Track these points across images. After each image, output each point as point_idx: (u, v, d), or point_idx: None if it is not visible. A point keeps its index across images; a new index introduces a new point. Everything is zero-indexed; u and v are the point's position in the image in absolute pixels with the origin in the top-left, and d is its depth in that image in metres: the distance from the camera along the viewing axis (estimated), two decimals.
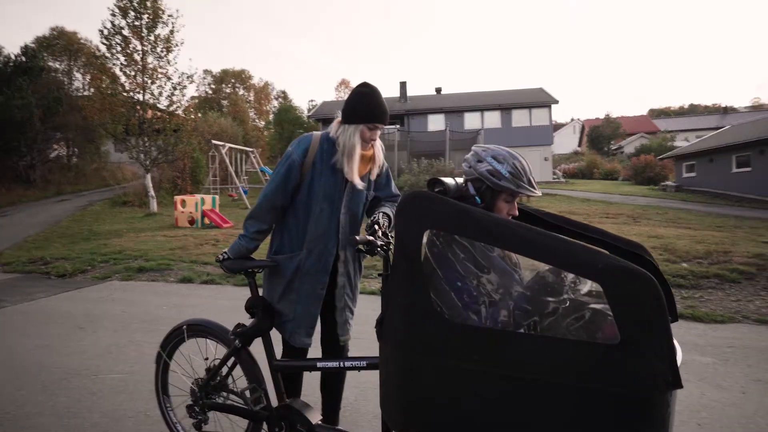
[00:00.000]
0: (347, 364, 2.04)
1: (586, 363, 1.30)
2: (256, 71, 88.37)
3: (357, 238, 1.90)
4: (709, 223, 12.13)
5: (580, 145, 50.14)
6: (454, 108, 30.09)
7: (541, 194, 1.96)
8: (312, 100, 49.16)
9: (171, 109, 16.02)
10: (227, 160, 18.41)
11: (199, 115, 29.34)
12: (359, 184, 2.20)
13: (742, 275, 6.38)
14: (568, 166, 36.95)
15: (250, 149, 21.29)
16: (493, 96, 31.98)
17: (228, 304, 5.76)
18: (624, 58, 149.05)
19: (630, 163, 31.45)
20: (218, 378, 2.31)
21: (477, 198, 1.80)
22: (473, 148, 1.94)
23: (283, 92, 52.97)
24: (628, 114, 59.18)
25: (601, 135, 47.83)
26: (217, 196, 14.72)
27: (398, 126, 23.26)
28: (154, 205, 16.13)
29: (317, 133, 2.28)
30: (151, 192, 16.19)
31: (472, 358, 1.42)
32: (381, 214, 2.19)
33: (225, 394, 2.31)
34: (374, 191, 2.39)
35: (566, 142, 48.25)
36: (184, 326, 2.41)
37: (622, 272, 1.26)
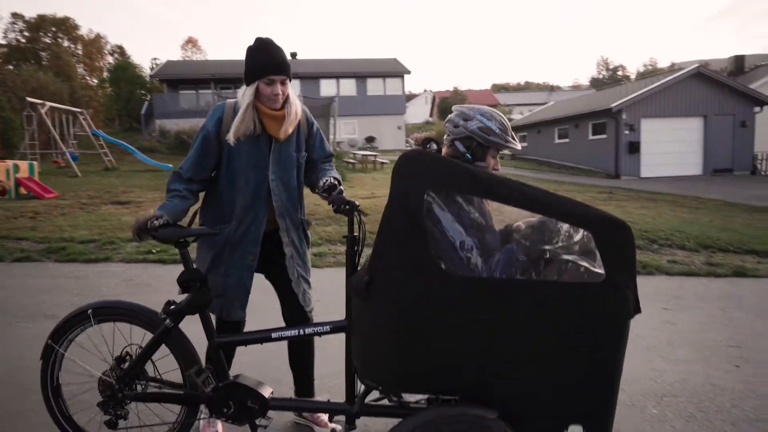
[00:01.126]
0: (308, 330, 1.91)
1: (577, 299, 1.52)
2: (84, 21, 76.92)
3: (343, 196, 1.91)
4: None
5: (431, 115, 52.96)
6: (310, 74, 29.61)
7: (520, 148, 1.99)
8: (156, 59, 44.75)
9: None
10: (48, 122, 15.97)
11: (10, 68, 24.93)
12: (232, 138, 2.06)
13: None
14: (419, 135, 38.87)
15: (79, 110, 18.70)
16: (348, 64, 32.07)
17: (48, 284, 5.10)
18: (472, 35, 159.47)
19: None
20: (138, 366, 2.00)
21: (468, 155, 1.85)
22: (456, 107, 1.97)
23: (120, 47, 47.32)
24: (474, 88, 63.77)
25: (450, 106, 50.90)
26: (35, 163, 12.76)
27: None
28: None
29: (231, 101, 2.16)
30: None
31: (473, 309, 1.52)
32: (332, 178, 2.10)
33: (143, 382, 2.01)
34: (307, 153, 2.28)
35: (419, 112, 50.62)
36: (89, 310, 2.02)
37: (609, 221, 1.49)
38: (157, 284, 5.00)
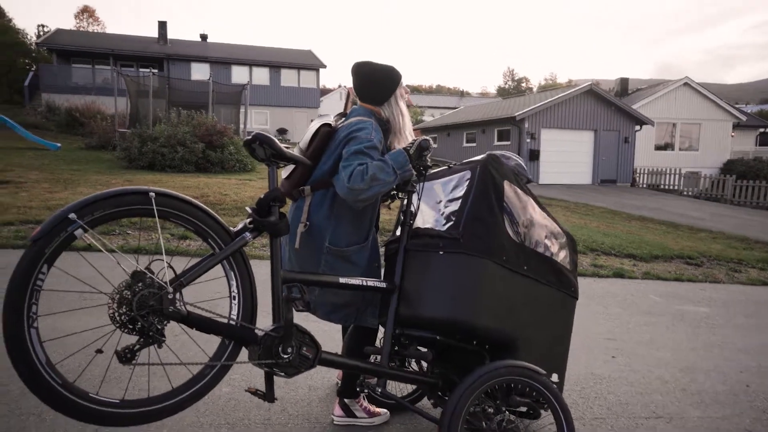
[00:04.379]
0: (369, 283, 2.07)
1: (565, 277, 2.40)
2: None
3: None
4: None
5: (345, 110, 52.98)
6: (221, 59, 28.32)
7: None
8: (43, 25, 40.27)
9: None
10: None
11: None
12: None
13: None
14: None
15: None
16: (262, 52, 31.10)
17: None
18: (386, 34, 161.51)
19: None
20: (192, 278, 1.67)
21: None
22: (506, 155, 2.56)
23: None
24: None
25: None
26: None
27: (154, 70, 20.84)
28: None
29: (369, 120, 2.19)
30: None
31: (522, 268, 2.16)
32: None
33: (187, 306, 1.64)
34: None
35: (334, 107, 50.45)
36: (151, 193, 1.58)
37: (570, 234, 2.56)
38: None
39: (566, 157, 19.58)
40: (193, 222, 1.69)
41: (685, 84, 23.43)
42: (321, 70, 30.64)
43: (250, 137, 1.85)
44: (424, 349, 2.22)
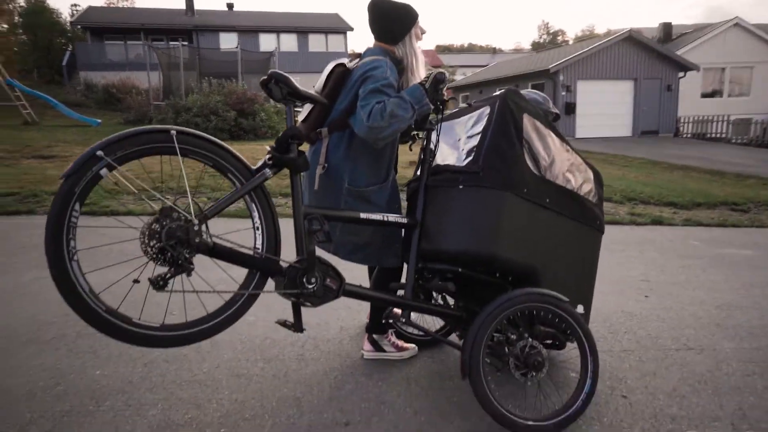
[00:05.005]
0: (391, 218, 2.13)
1: (589, 210, 2.38)
2: None
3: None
4: None
5: None
6: (249, 27, 28.26)
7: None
8: (75, 5, 40.96)
9: None
10: None
11: None
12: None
13: None
14: None
15: None
16: (289, 18, 30.82)
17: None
18: None
19: None
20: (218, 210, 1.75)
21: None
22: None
23: None
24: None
25: None
26: None
27: (183, 42, 20.99)
28: None
29: (383, 59, 2.16)
30: None
31: (544, 201, 2.15)
32: None
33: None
34: None
35: None
36: (173, 131, 1.65)
37: (596, 169, 2.52)
38: (81, 234, 4.78)
39: (604, 108, 18.86)
40: (214, 158, 1.75)
41: (736, 25, 21.90)
42: (349, 33, 30.20)
43: (266, 77, 1.88)
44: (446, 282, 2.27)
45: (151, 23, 27.19)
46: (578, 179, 2.43)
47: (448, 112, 2.45)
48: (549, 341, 2.31)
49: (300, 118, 2.26)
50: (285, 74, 1.90)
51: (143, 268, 1.58)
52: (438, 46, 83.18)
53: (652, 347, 2.72)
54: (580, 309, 2.39)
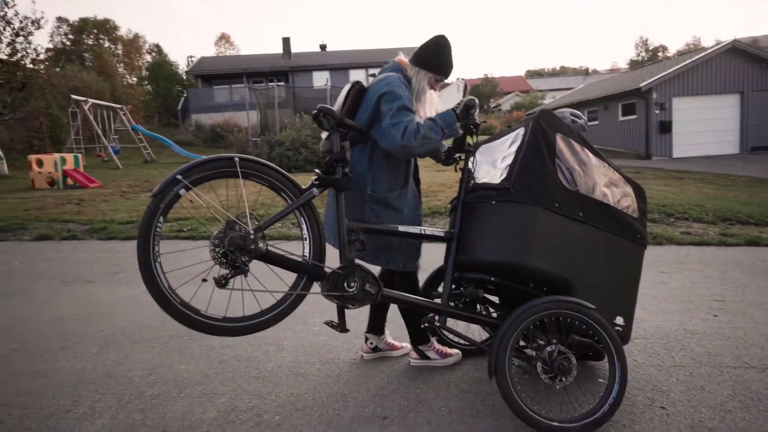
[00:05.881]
0: (428, 231, 2.36)
1: (627, 224, 2.45)
2: (124, 21, 79.59)
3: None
4: None
5: None
6: (339, 65, 29.96)
7: None
8: (191, 56, 46.05)
9: (15, 59, 14.24)
10: (91, 118, 16.91)
11: (56, 69, 26.28)
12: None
13: None
14: None
15: (119, 106, 19.65)
16: (377, 53, 32.16)
17: (89, 257, 5.64)
18: (506, 21, 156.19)
19: (504, 119, 33.76)
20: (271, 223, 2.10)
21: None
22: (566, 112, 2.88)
23: (157, 46, 48.86)
24: (506, 74, 62.83)
25: (480, 94, 50.45)
26: (80, 155, 13.60)
27: (279, 83, 22.81)
28: (3, 167, 14.50)
29: (395, 75, 2.38)
30: None
31: (577, 215, 2.27)
32: None
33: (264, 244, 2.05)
34: None
35: (452, 101, 50.25)
36: (236, 158, 2.02)
37: (638, 184, 2.57)
38: (184, 258, 5.45)
39: (705, 126, 17.56)
40: (269, 180, 2.10)
41: None
42: None
43: (315, 110, 2.22)
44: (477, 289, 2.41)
45: (253, 68, 29.79)
46: (616, 194, 2.49)
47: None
48: (587, 352, 2.37)
49: (323, 136, 2.49)
50: (330, 107, 2.23)
51: (209, 270, 1.94)
52: (528, 71, 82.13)
53: (707, 364, 2.63)
54: (619, 320, 2.42)
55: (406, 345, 2.84)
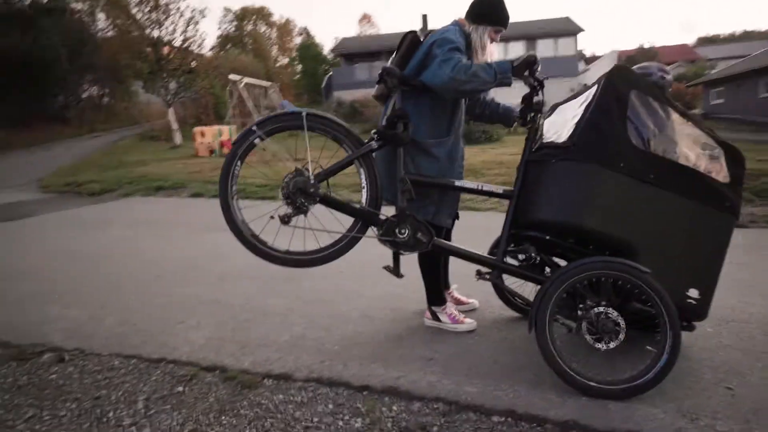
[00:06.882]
0: (486, 188, 2.45)
1: (713, 191, 2.24)
2: (277, 8, 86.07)
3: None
4: None
5: None
6: None
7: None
8: (337, 37, 48.70)
9: (186, 45, 16.47)
10: (245, 95, 18.93)
11: (221, 53, 29.59)
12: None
13: None
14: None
15: (268, 83, 21.65)
16: (518, 27, 30.85)
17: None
18: None
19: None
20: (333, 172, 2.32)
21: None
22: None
23: (305, 29, 52.27)
24: (671, 43, 55.92)
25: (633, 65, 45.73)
26: (234, 127, 15.39)
27: None
28: (177, 138, 17.00)
29: (453, 26, 2.44)
30: (174, 125, 17.02)
31: (647, 176, 2.14)
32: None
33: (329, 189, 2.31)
34: None
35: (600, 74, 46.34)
36: (304, 113, 2.28)
37: (734, 148, 2.34)
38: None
39: None
40: (332, 132, 2.33)
41: None
42: (579, 35, 28.75)
43: (380, 71, 2.39)
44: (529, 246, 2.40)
45: (390, 46, 30.40)
46: (701, 156, 2.29)
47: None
48: (644, 322, 2.24)
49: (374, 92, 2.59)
50: (394, 68, 2.38)
51: (278, 209, 2.25)
52: (700, 38, 72.04)
53: None
54: (693, 293, 2.25)
55: (474, 301, 2.93)
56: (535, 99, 2.49)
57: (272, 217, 2.23)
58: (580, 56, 34.22)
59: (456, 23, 2.49)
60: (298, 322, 2.84)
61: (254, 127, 2.27)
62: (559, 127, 2.49)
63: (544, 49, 29.00)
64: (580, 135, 2.16)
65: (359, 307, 3.04)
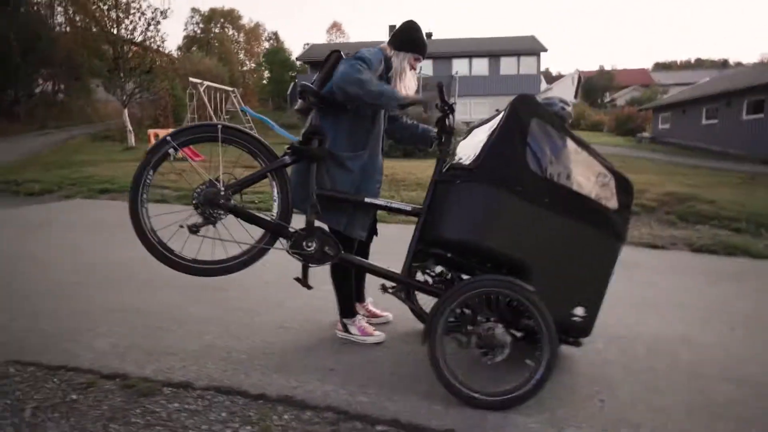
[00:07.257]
0: (394, 205, 2.56)
1: (602, 217, 2.42)
2: (246, 11, 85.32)
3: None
4: (657, 170, 12.69)
5: (576, 96, 49.76)
6: (443, 54, 29.90)
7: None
8: (307, 44, 48.78)
9: (146, 44, 16.20)
10: (205, 98, 18.70)
11: (184, 55, 29.13)
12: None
13: (644, 208, 6.99)
14: None
15: (231, 88, 21.46)
16: (482, 43, 31.67)
17: (178, 217, 6.43)
18: (631, 11, 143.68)
19: (614, 115, 31.58)
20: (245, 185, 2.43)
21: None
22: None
23: (275, 34, 52.00)
24: (630, 67, 58.32)
25: (594, 86, 47.46)
26: None
27: None
28: (131, 140, 16.62)
29: (379, 52, 2.57)
30: (129, 126, 16.66)
31: (542, 201, 2.28)
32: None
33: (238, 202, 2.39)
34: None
35: (567, 93, 47.85)
36: (220, 125, 2.37)
37: (624, 177, 2.51)
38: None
39: None
40: (247, 146, 2.41)
41: None
42: (543, 54, 29.71)
43: (299, 88, 2.47)
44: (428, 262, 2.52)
45: None
46: (593, 184, 2.46)
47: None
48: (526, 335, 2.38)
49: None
50: (311, 85, 2.47)
51: (187, 218, 2.29)
52: (657, 64, 75.37)
53: (684, 371, 2.51)
54: (579, 311, 2.41)
55: (388, 314, 3.02)
56: (447, 122, 2.62)
57: (181, 227, 2.27)
58: (547, 75, 35.25)
59: (379, 49, 2.62)
60: (211, 330, 2.86)
61: (168, 138, 2.32)
62: (470, 149, 2.63)
63: (507, 66, 29.86)
64: (484, 159, 2.28)
65: (277, 317, 3.09)
